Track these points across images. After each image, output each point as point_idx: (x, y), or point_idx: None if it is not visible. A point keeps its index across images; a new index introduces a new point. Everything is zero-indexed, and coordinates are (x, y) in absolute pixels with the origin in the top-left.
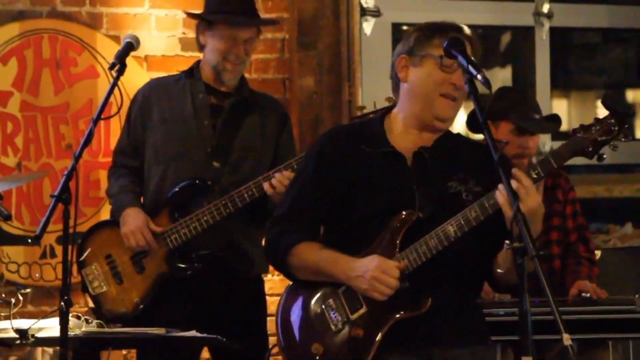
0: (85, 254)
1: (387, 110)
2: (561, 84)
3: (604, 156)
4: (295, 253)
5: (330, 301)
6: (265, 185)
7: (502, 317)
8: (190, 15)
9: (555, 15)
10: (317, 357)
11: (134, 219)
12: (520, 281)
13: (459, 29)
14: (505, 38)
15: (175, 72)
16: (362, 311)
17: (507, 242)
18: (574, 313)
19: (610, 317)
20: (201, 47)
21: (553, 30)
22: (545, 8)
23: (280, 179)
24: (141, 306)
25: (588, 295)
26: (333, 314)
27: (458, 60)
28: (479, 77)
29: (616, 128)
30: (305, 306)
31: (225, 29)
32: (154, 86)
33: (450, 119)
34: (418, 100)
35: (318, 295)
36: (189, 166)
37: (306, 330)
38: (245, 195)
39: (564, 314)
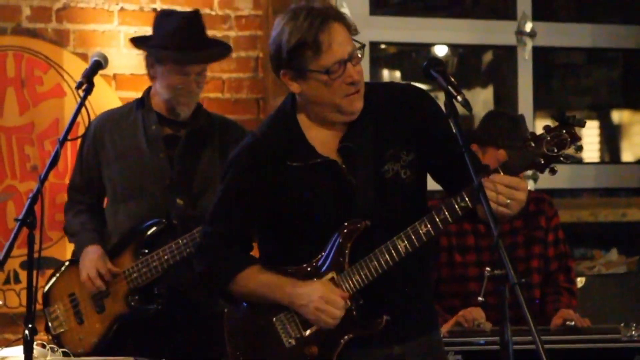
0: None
1: (293, 102)
2: (544, 105)
3: (556, 169)
4: (236, 282)
5: (282, 315)
6: None
7: (483, 347)
8: (137, 45)
9: (538, 35)
10: None
11: (92, 254)
12: (502, 310)
13: (318, 29)
14: (487, 57)
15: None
16: (315, 328)
17: (487, 269)
18: (557, 342)
19: (595, 347)
20: (152, 79)
21: (536, 50)
22: (528, 27)
23: None
24: (99, 347)
25: (572, 323)
26: (285, 329)
27: (438, 82)
28: (458, 98)
29: (567, 140)
30: (254, 319)
31: (175, 65)
32: (105, 120)
33: (361, 107)
34: (321, 107)
35: (267, 306)
36: (148, 202)
37: (256, 345)
38: None
39: (546, 344)
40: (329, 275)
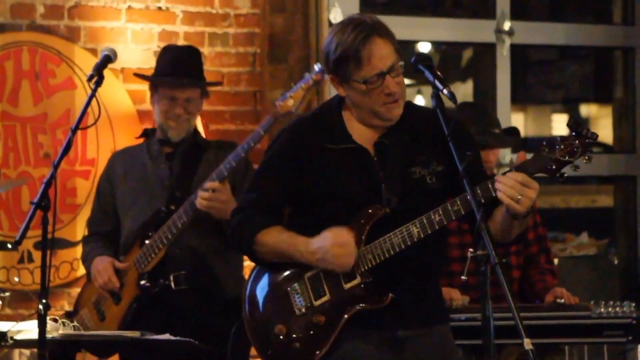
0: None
1: (341, 98)
2: (520, 98)
3: (565, 174)
4: (258, 240)
5: (296, 285)
6: (197, 205)
7: (464, 322)
8: (140, 77)
9: (516, 33)
10: (280, 337)
11: (99, 264)
12: (483, 288)
13: (362, 43)
14: (468, 54)
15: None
16: (325, 299)
17: (470, 250)
18: (533, 319)
19: (567, 323)
20: (153, 106)
21: (513, 47)
22: (507, 26)
23: (201, 195)
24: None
25: (563, 301)
26: (297, 298)
27: (425, 75)
28: (445, 91)
29: (579, 150)
30: (272, 287)
31: (164, 90)
32: (116, 155)
33: (399, 115)
34: (363, 111)
35: (284, 277)
36: (151, 204)
37: (271, 310)
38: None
39: (523, 320)
40: None
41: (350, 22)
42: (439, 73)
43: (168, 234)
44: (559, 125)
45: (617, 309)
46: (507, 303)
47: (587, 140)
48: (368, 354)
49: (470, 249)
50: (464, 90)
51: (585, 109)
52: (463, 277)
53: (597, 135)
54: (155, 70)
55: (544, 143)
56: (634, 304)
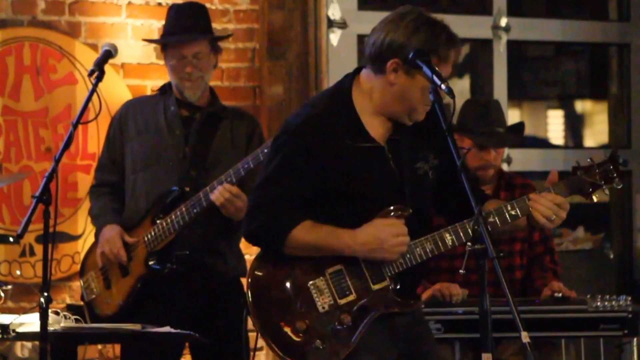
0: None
1: (352, 77)
2: (516, 94)
3: (596, 197)
4: (292, 237)
5: (317, 282)
6: (212, 197)
7: (461, 316)
8: (148, 41)
9: (512, 29)
10: (300, 334)
11: (108, 233)
12: (481, 281)
13: (452, 45)
14: (465, 50)
15: (150, 80)
16: (351, 298)
17: (468, 244)
18: (531, 312)
19: (563, 317)
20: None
21: (510, 43)
22: (503, 22)
23: (221, 192)
24: (124, 307)
25: (560, 295)
26: (320, 295)
27: (422, 71)
28: (442, 86)
29: (614, 175)
30: (287, 281)
31: (172, 48)
32: (130, 104)
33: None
34: (401, 103)
35: (301, 271)
36: (163, 171)
37: (286, 307)
38: (210, 194)
39: (521, 314)
40: None
41: (436, 21)
42: (437, 69)
43: (181, 220)
44: (554, 121)
45: (613, 302)
46: (504, 297)
47: (620, 167)
48: (381, 345)
49: (468, 243)
50: (461, 86)
51: (581, 105)
52: (461, 271)
53: (628, 161)
54: (163, 30)
55: (577, 164)
56: (629, 298)
